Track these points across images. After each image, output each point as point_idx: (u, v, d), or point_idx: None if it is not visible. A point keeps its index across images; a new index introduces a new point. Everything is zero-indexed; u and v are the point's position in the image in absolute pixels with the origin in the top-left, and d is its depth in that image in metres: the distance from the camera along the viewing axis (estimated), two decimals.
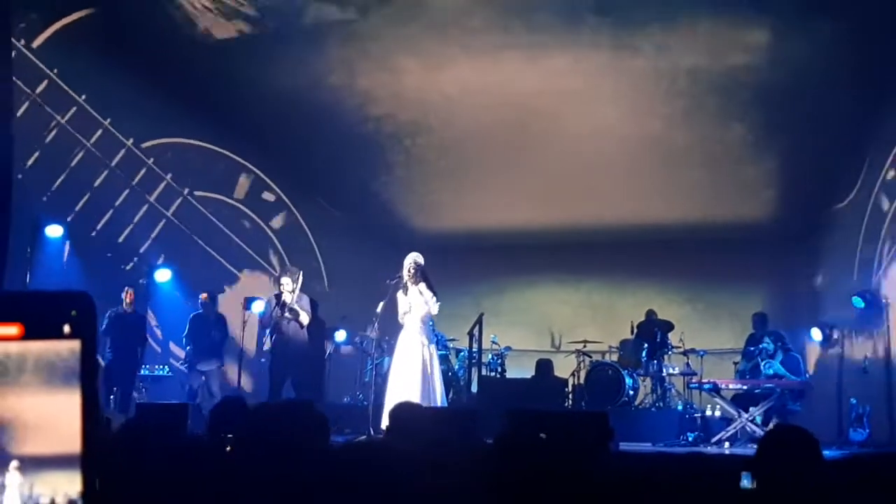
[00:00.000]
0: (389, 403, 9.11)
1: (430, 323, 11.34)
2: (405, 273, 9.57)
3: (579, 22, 10.41)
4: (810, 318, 12.88)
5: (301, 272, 10.68)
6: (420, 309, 9.53)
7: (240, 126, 12.04)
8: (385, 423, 8.78)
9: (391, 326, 10.17)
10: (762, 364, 10.79)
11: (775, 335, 11.10)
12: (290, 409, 3.05)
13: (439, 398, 9.30)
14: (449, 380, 12.51)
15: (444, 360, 12.73)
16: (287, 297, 10.46)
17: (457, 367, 12.88)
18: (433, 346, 9.71)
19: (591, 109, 11.72)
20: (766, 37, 10.29)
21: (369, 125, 12.53)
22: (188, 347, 11.92)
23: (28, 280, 10.02)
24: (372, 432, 9.03)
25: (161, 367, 12.11)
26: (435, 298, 9.55)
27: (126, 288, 11.57)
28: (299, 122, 12.37)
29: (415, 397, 8.35)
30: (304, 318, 10.56)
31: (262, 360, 11.12)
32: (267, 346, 10.87)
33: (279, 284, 10.69)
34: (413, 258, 9.68)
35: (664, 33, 10.49)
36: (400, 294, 9.59)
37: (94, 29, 10.61)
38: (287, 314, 10.42)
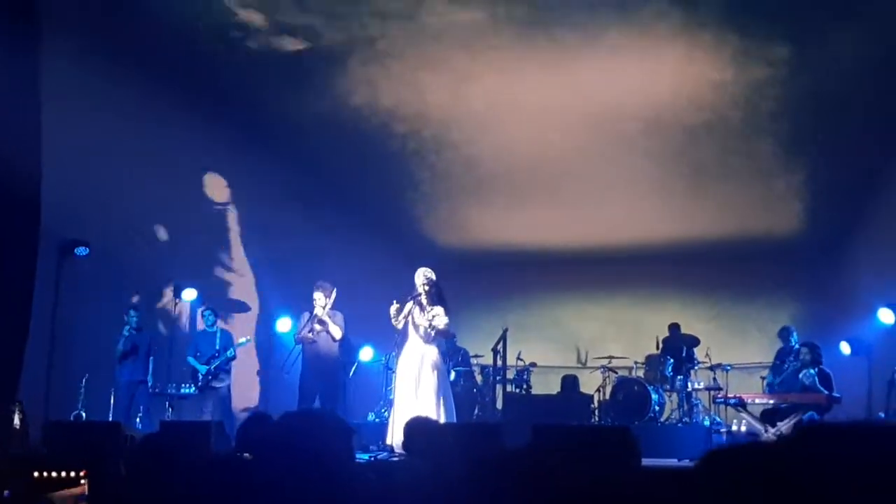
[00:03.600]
0: (399, 420, 8.90)
1: (453, 338, 11.18)
2: (420, 289, 9.50)
3: (602, 35, 10.38)
4: (839, 332, 12.75)
5: (334, 289, 10.64)
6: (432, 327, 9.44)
7: (263, 147, 12.09)
8: (396, 439, 8.64)
9: None
10: (801, 374, 10.66)
11: (811, 346, 10.98)
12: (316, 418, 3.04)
13: (444, 416, 9.07)
14: (474, 396, 12.45)
15: (469, 376, 12.66)
16: (318, 311, 10.49)
17: (481, 383, 12.83)
18: (441, 364, 9.57)
19: (616, 124, 11.69)
20: (789, 50, 10.23)
21: (394, 142, 12.54)
22: (198, 366, 11.95)
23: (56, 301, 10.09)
24: (392, 449, 8.88)
25: (188, 385, 12.16)
26: (447, 320, 9.48)
27: (129, 311, 11.72)
28: (323, 142, 12.40)
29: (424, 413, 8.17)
30: (337, 332, 10.52)
31: (286, 374, 11.10)
32: (291, 360, 10.88)
33: (312, 300, 10.69)
34: (424, 273, 9.58)
35: (689, 47, 10.44)
36: (416, 310, 9.50)
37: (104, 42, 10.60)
38: (317, 325, 10.44)
